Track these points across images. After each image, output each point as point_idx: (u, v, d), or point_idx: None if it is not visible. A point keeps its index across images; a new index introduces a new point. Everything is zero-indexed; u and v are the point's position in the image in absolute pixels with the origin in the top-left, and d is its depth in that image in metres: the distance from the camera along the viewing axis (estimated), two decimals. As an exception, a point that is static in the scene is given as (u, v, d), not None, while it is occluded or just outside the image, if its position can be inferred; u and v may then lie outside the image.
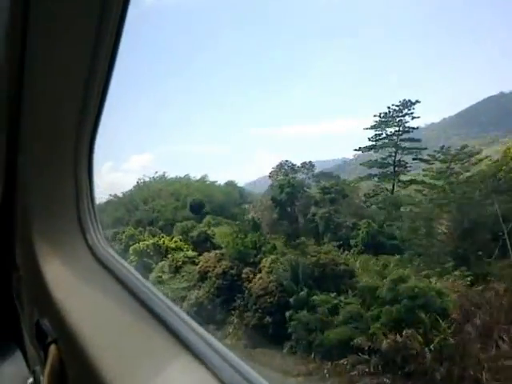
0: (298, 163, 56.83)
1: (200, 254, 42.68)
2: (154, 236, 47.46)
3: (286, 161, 57.49)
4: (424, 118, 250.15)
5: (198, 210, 54.09)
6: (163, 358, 1.79)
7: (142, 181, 66.35)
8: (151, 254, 44.70)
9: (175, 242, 45.83)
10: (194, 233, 46.05)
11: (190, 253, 43.82)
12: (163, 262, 42.96)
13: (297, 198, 48.41)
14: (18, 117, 2.21)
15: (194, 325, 1.90)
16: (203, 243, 44.65)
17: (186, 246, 45.24)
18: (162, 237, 46.17)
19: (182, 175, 68.90)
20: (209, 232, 46.18)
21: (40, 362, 2.48)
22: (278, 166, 57.80)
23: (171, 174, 72.47)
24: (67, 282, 2.55)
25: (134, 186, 67.46)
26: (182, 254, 43.79)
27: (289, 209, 48.45)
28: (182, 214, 54.77)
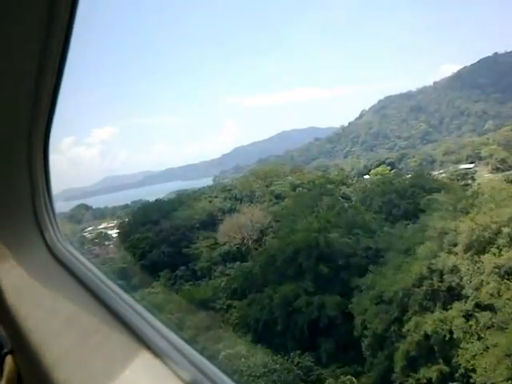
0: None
1: None
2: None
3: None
4: (409, 81, 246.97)
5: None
6: (123, 358, 1.66)
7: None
8: None
9: None
10: None
11: None
12: None
13: None
14: None
15: (157, 324, 1.77)
16: None
17: None
18: None
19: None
20: None
21: None
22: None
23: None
24: (23, 284, 2.28)
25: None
26: None
27: None
28: None
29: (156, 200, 69.05)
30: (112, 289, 2.03)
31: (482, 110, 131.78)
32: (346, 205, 40.39)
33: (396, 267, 28.13)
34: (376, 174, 69.70)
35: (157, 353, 1.60)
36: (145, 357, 1.61)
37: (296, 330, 31.12)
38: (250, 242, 49.76)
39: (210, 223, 55.03)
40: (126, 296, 1.98)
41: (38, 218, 2.49)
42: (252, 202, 57.29)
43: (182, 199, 63.65)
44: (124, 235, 56.80)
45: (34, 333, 1.96)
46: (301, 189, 52.13)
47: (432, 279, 25.84)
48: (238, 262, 47.65)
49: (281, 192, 52.80)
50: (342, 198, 49.65)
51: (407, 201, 44.50)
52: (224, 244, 50.35)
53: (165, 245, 51.72)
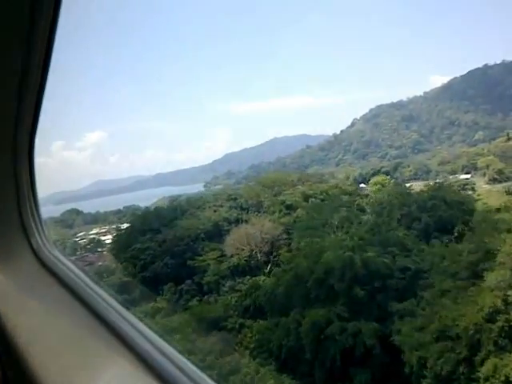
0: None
1: None
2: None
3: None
4: (400, 91, 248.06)
5: None
6: (109, 361, 1.67)
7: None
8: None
9: None
10: None
11: None
12: None
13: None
14: None
15: (142, 327, 1.76)
16: None
17: None
18: None
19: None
20: None
21: None
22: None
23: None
24: (10, 290, 2.23)
25: None
26: None
27: None
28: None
29: (155, 208, 65.06)
30: (98, 294, 1.97)
31: (472, 120, 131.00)
32: (379, 219, 36.39)
33: (453, 295, 24.29)
34: (376, 184, 66.21)
35: (141, 356, 1.57)
36: (130, 360, 1.58)
37: (327, 359, 27.29)
38: (260, 255, 45.95)
39: (216, 234, 51.06)
40: (112, 301, 1.92)
41: (24, 224, 2.38)
42: (259, 212, 53.55)
43: (183, 207, 59.55)
44: (122, 244, 52.51)
45: (20, 338, 1.89)
46: (313, 199, 48.49)
47: (509, 313, 22.24)
48: (247, 277, 43.91)
49: (292, 202, 48.93)
50: (356, 209, 46.33)
51: (428, 214, 41.12)
52: (232, 256, 46.42)
53: (168, 256, 47.67)
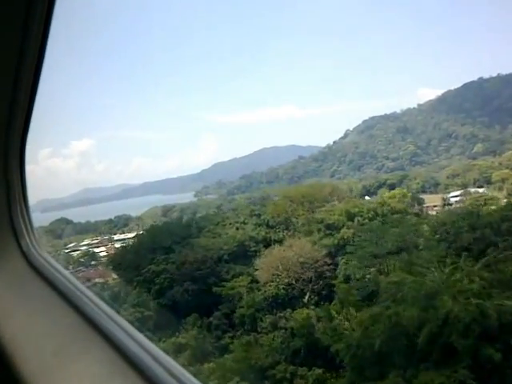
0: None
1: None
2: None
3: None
4: (393, 102, 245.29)
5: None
6: (101, 369, 1.59)
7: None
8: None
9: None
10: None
11: None
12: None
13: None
14: None
15: (138, 336, 1.67)
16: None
17: None
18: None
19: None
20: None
21: None
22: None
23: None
24: None
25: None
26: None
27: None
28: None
29: (165, 222, 57.35)
30: (87, 295, 1.93)
31: (470, 132, 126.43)
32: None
33: None
34: (393, 197, 58.60)
35: (137, 365, 1.50)
36: (120, 363, 1.52)
37: None
38: (299, 284, 38.32)
39: (242, 255, 43.36)
40: (104, 306, 1.87)
41: (14, 226, 2.34)
42: (288, 230, 45.99)
43: (199, 223, 51.69)
44: (128, 262, 44.39)
45: (8, 338, 1.85)
46: (359, 218, 41.10)
47: None
48: (289, 310, 36.06)
49: (333, 221, 41.34)
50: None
51: (503, 238, 34.14)
52: (266, 284, 38.66)
53: (188, 281, 39.76)
